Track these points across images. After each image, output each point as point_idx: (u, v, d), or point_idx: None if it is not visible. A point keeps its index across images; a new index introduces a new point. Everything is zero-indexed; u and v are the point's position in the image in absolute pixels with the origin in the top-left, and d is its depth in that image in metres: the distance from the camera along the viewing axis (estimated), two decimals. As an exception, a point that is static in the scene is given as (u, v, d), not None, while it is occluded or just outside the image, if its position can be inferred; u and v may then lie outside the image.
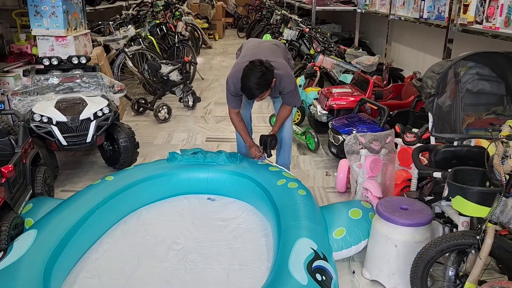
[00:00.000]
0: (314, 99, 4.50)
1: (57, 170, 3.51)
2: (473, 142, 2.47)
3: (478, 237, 1.86)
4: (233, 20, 14.81)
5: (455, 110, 2.55)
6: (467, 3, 3.05)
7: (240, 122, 3.21)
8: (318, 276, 2.05)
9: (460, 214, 2.12)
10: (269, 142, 3.19)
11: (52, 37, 4.21)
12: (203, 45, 10.08)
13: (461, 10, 3.14)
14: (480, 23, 2.92)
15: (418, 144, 2.84)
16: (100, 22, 6.34)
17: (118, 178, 2.97)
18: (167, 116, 5.12)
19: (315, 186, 3.51)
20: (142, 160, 3.91)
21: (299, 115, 4.79)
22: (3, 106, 2.96)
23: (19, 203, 2.67)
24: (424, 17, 3.86)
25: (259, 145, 3.25)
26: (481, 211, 1.88)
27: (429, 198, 2.48)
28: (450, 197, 2.01)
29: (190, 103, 5.55)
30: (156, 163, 3.29)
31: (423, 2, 3.84)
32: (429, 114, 2.50)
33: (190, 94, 5.53)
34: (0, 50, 4.27)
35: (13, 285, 1.89)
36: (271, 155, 3.28)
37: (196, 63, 6.14)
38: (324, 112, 4.24)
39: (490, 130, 1.99)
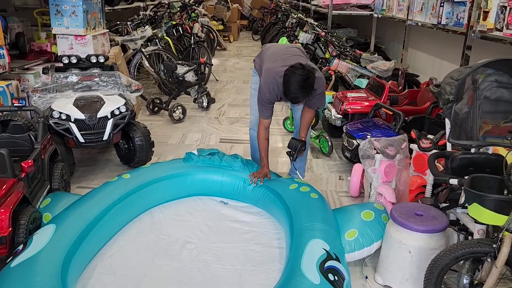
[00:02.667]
0: (329, 103, 4.50)
1: (74, 166, 3.57)
2: (490, 150, 2.45)
3: (494, 246, 1.85)
4: (248, 22, 14.87)
5: (472, 117, 2.53)
6: (487, 10, 3.03)
7: (266, 140, 3.08)
8: (331, 276, 2.06)
9: (476, 221, 2.11)
10: (299, 148, 3.12)
11: (71, 36, 4.28)
12: (218, 47, 10.14)
13: (481, 17, 3.12)
14: (500, 30, 2.90)
15: (434, 151, 2.82)
16: (118, 22, 6.42)
17: (134, 176, 3.01)
18: (181, 116, 5.17)
19: (328, 190, 3.51)
20: (156, 159, 3.95)
21: (313, 119, 4.78)
22: (24, 102, 3.02)
23: (37, 197, 2.73)
24: (442, 23, 3.84)
25: (288, 147, 3.18)
26: (498, 219, 1.87)
27: (444, 205, 2.47)
28: (467, 204, 2.00)
29: (205, 104, 5.59)
30: (173, 163, 3.33)
31: (441, 8, 3.82)
32: (447, 120, 2.49)
33: (205, 95, 5.57)
34: (21, 48, 4.35)
35: (32, 277, 1.94)
36: (296, 160, 3.22)
37: (212, 65, 6.19)
38: (339, 116, 4.24)
39: (509, 138, 1.98)
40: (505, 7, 2.82)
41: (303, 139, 3.16)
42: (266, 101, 2.95)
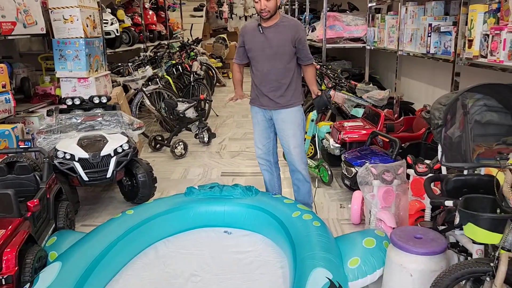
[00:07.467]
0: (327, 133, 4.59)
1: (78, 205, 3.63)
2: (483, 171, 2.52)
3: (492, 264, 1.88)
4: (245, 58, 15.20)
5: (465, 141, 2.61)
6: (471, 38, 3.17)
7: (238, 73, 3.58)
8: (335, 306, 2.07)
9: (474, 242, 2.15)
10: (324, 100, 3.40)
11: (74, 79, 4.42)
12: (217, 83, 10.36)
13: (466, 45, 3.26)
14: (485, 56, 3.02)
15: (430, 174, 2.88)
16: (119, 64, 6.62)
17: (138, 211, 3.07)
18: (183, 152, 5.26)
19: (330, 219, 3.54)
20: (159, 195, 4.01)
21: (312, 149, 4.87)
22: (29, 144, 3.11)
23: (42, 236, 2.77)
24: (431, 52, 3.98)
25: (317, 107, 3.53)
26: (493, 238, 1.91)
27: (442, 227, 2.50)
28: (462, 225, 2.04)
29: (206, 139, 5.69)
30: (174, 197, 3.39)
31: (429, 38, 3.97)
32: (439, 145, 2.57)
33: (206, 131, 5.68)
34: (26, 92, 4.49)
35: (39, 314, 1.96)
36: (334, 107, 3.52)
37: (211, 101, 6.35)
38: (337, 145, 4.32)
39: (498, 159, 2.05)
40: (488, 35, 2.95)
41: (319, 92, 3.44)
42: (240, 41, 3.40)
